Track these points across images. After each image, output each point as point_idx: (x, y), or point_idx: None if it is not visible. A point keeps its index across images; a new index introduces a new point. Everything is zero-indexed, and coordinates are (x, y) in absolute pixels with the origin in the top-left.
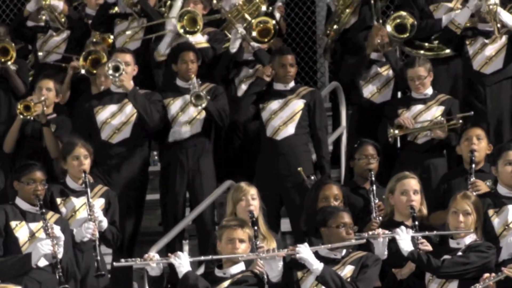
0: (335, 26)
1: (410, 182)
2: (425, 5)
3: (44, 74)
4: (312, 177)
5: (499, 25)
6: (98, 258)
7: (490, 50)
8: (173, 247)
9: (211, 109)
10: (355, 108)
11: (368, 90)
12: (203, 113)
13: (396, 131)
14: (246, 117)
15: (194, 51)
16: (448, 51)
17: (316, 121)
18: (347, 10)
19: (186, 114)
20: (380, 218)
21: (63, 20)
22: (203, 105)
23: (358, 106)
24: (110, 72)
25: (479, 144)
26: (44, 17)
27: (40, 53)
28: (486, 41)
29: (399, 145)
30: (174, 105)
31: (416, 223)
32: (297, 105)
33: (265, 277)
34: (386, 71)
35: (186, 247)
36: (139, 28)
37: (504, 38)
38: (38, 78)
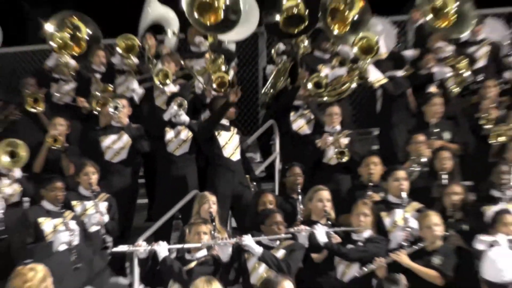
0: (271, 90)
1: (324, 193)
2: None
3: (57, 113)
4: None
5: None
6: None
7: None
8: (159, 238)
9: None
10: (287, 138)
11: (297, 125)
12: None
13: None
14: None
15: None
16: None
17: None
18: (281, 79)
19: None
20: (301, 218)
21: (72, 73)
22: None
23: (290, 136)
24: (111, 110)
25: (375, 168)
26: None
27: (55, 96)
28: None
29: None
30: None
31: (329, 222)
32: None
33: (220, 258)
34: (308, 113)
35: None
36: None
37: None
38: (53, 116)
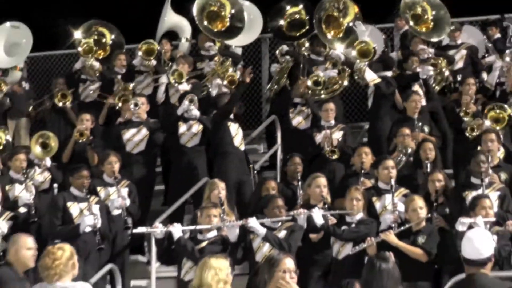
0: (275, 87)
1: (321, 179)
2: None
3: (84, 109)
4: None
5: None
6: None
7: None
8: (173, 220)
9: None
10: (288, 131)
11: (296, 121)
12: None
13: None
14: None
15: None
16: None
17: None
18: (284, 77)
19: None
20: (301, 202)
21: (97, 74)
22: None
23: (290, 130)
24: (132, 107)
25: (367, 157)
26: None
27: (81, 96)
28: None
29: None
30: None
31: (326, 206)
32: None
33: (228, 239)
34: (306, 110)
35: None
36: (151, 80)
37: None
38: (80, 112)
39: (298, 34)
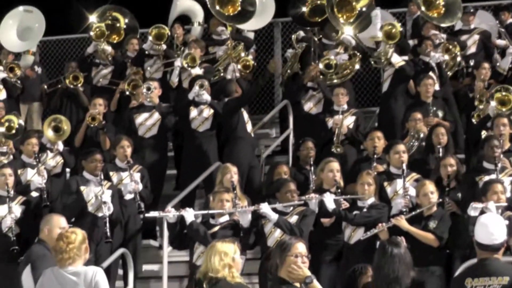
0: (288, 71)
1: (334, 164)
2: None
3: (96, 94)
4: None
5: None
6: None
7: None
8: (184, 205)
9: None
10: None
11: (308, 106)
12: None
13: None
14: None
15: None
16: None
17: None
18: (298, 62)
19: None
20: (313, 187)
21: (109, 58)
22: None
23: (302, 116)
24: (145, 91)
25: (379, 142)
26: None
27: (94, 80)
28: None
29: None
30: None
31: (339, 190)
32: None
33: (240, 224)
34: (318, 94)
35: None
36: (161, 64)
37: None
38: (93, 97)
39: (319, 20)
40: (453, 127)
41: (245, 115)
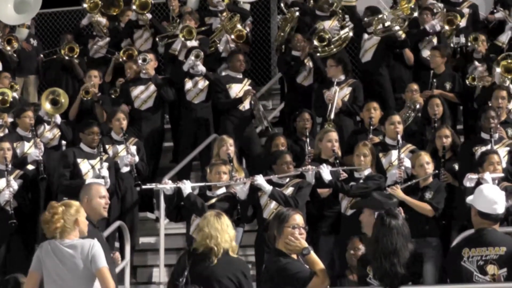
0: (282, 34)
1: (333, 134)
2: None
3: (92, 66)
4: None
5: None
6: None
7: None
8: (181, 177)
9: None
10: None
11: (300, 78)
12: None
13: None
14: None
15: None
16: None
17: None
18: (288, 25)
19: None
20: (310, 160)
21: (105, 30)
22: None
23: (295, 87)
24: (140, 62)
25: (375, 112)
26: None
27: (90, 52)
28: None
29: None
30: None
31: (337, 160)
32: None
33: (237, 196)
34: (308, 65)
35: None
36: (149, 35)
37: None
38: (89, 69)
39: None
40: (459, 99)
41: (233, 92)
